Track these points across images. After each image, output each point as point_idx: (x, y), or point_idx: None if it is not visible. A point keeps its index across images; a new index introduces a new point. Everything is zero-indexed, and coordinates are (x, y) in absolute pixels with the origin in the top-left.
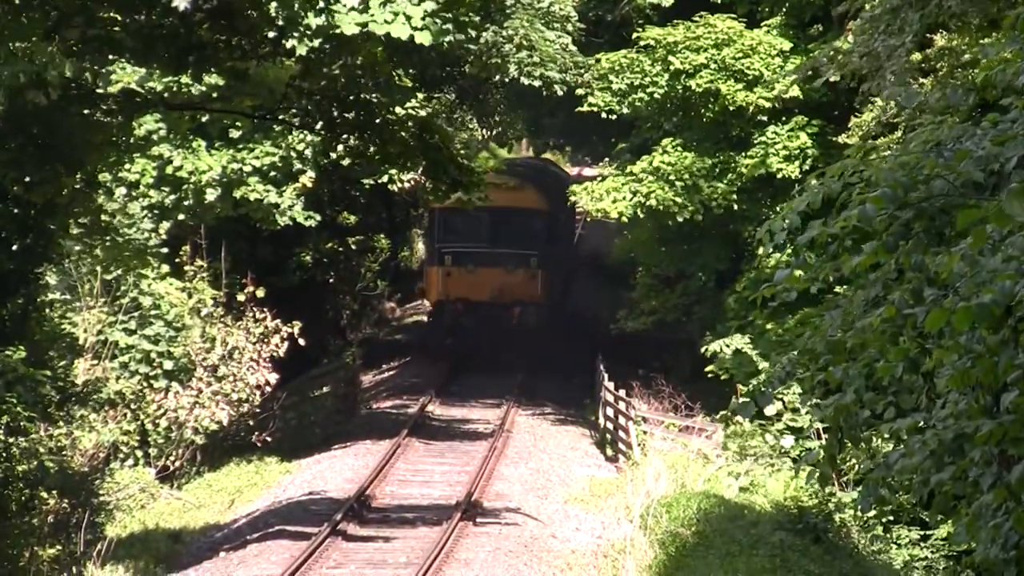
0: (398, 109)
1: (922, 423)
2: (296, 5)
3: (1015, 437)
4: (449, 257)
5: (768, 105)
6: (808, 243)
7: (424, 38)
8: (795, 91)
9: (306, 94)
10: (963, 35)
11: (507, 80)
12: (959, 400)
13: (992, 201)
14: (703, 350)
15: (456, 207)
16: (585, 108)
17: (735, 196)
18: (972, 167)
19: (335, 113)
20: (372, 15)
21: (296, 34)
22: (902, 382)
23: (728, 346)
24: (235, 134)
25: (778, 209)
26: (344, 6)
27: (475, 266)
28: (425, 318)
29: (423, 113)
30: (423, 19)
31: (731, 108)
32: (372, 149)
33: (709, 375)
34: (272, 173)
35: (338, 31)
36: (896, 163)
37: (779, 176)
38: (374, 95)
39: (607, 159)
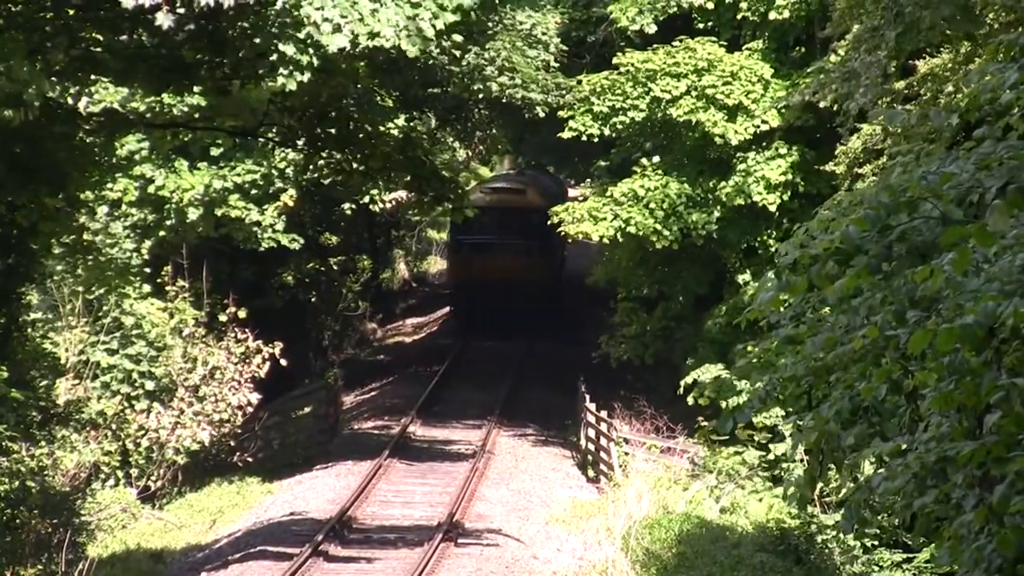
0: (379, 125)
1: (905, 446)
2: (276, 33)
3: (998, 457)
4: (466, 247)
5: (748, 136)
6: (790, 265)
7: (408, 45)
8: (775, 119)
9: (288, 111)
10: (948, 61)
11: (490, 98)
12: (942, 423)
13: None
14: (680, 384)
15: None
16: (567, 134)
17: (715, 225)
18: (953, 198)
19: (317, 129)
20: (362, 28)
21: (285, 71)
22: (885, 403)
23: (708, 373)
24: (216, 152)
25: (759, 240)
26: (329, 23)
27: (487, 254)
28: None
29: (403, 126)
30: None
31: (711, 137)
32: (354, 164)
33: (690, 401)
34: (253, 191)
35: (323, 50)
36: (879, 187)
37: (760, 205)
38: (354, 111)
39: (588, 179)
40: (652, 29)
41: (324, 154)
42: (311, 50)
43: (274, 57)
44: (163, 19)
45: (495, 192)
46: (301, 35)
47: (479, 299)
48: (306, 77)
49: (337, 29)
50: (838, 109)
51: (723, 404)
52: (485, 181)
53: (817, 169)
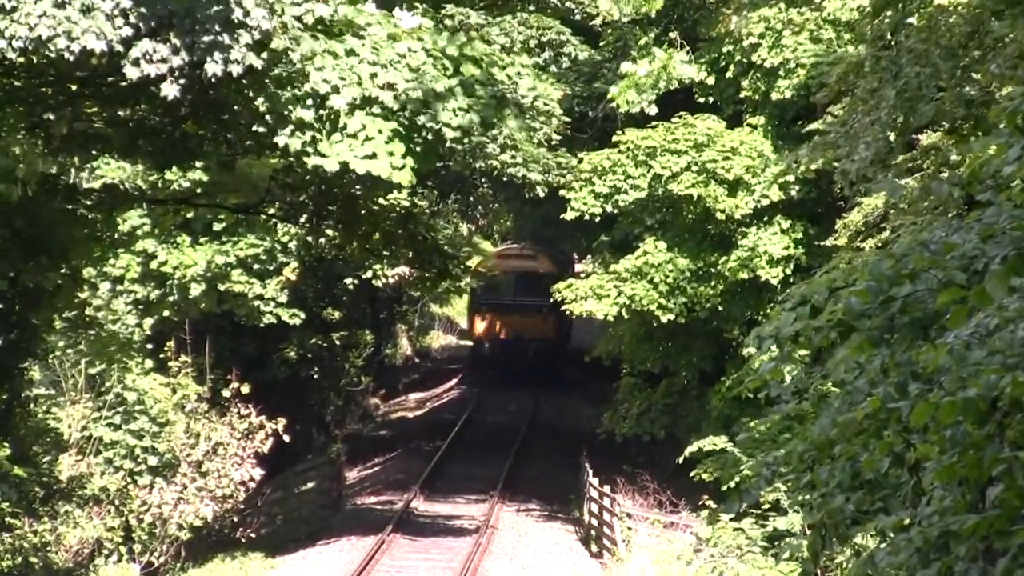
0: (381, 200)
1: (908, 520)
2: (284, 98)
3: (1000, 530)
4: (486, 307)
5: (748, 211)
6: (793, 336)
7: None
8: (776, 194)
9: (289, 187)
10: (956, 143)
11: (491, 174)
12: (944, 496)
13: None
14: (682, 456)
15: (490, 272)
16: (569, 215)
17: (719, 299)
18: (956, 266)
19: (319, 206)
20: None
21: (287, 130)
22: (888, 477)
23: (714, 446)
24: (219, 227)
25: (762, 314)
26: (328, 84)
27: (504, 313)
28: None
29: (405, 203)
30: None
31: (713, 212)
32: (355, 242)
33: (694, 476)
34: (256, 266)
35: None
36: (882, 256)
37: (763, 280)
38: (357, 187)
39: (590, 255)
40: (653, 111)
41: (326, 231)
42: (314, 108)
43: (275, 117)
44: (168, 89)
45: (511, 258)
46: (306, 89)
47: (496, 352)
48: (309, 136)
49: (335, 91)
50: (835, 173)
51: (724, 485)
52: (500, 249)
53: (820, 247)
